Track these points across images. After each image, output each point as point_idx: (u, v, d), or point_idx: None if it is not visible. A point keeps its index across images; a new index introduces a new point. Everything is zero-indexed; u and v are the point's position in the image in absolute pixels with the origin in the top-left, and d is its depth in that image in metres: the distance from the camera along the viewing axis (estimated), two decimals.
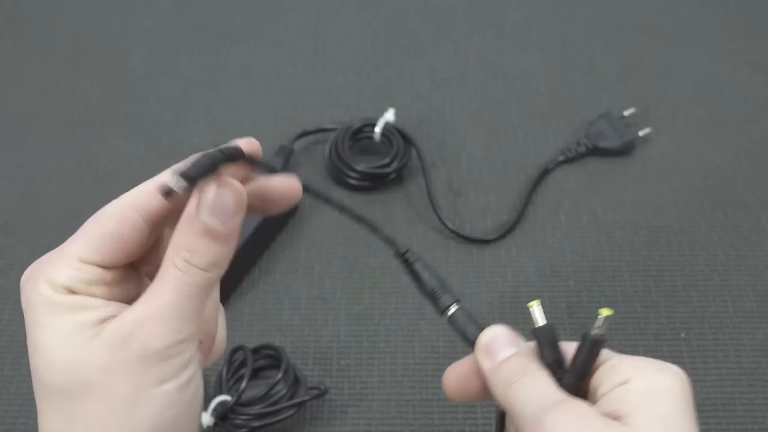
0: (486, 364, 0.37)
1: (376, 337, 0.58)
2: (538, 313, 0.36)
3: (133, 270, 0.37)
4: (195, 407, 0.35)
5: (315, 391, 0.54)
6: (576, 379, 0.35)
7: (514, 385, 0.35)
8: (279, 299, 0.60)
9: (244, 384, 0.52)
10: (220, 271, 0.34)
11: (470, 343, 0.37)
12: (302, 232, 0.64)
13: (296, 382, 0.54)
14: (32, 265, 0.36)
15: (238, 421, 0.52)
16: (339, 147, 0.66)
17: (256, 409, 0.52)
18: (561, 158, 0.68)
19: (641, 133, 0.69)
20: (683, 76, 0.75)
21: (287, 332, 0.58)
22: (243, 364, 0.54)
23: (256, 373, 0.55)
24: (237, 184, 0.34)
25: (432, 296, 0.39)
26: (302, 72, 0.77)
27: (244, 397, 0.52)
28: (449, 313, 0.38)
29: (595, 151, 0.69)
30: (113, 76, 0.77)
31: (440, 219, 0.64)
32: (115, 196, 0.70)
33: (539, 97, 0.74)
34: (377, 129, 0.67)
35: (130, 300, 0.35)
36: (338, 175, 0.67)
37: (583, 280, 0.61)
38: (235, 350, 0.55)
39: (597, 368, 0.35)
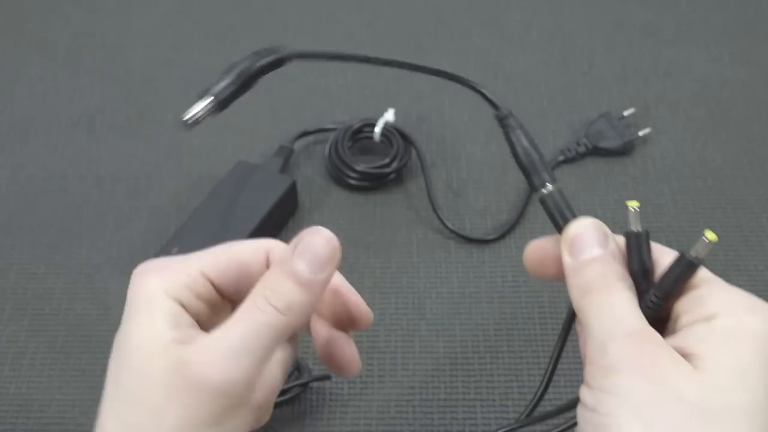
0: (568, 260, 0.34)
1: (376, 337, 0.58)
2: (633, 217, 0.33)
3: (231, 308, 0.37)
4: None
5: (318, 374, 0.54)
6: (660, 300, 0.32)
7: (590, 296, 0.33)
8: None
9: None
10: (297, 319, 0.33)
11: (558, 230, 0.35)
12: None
13: (299, 368, 0.54)
14: (152, 260, 0.36)
15: None
16: (339, 147, 0.66)
17: None
18: (561, 158, 0.68)
19: (641, 133, 0.69)
20: (683, 76, 0.75)
21: None
22: None
23: None
24: (333, 237, 0.35)
25: (527, 171, 0.36)
26: (302, 72, 0.77)
27: None
28: (543, 192, 0.35)
29: (595, 151, 0.69)
30: (113, 76, 0.77)
31: (440, 219, 0.64)
32: (115, 196, 0.70)
33: (539, 97, 0.74)
34: (377, 129, 0.67)
35: None
36: (338, 175, 0.67)
37: None
38: None
39: (687, 291, 0.33)
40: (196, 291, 0.35)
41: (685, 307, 0.32)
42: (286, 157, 0.67)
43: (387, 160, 0.66)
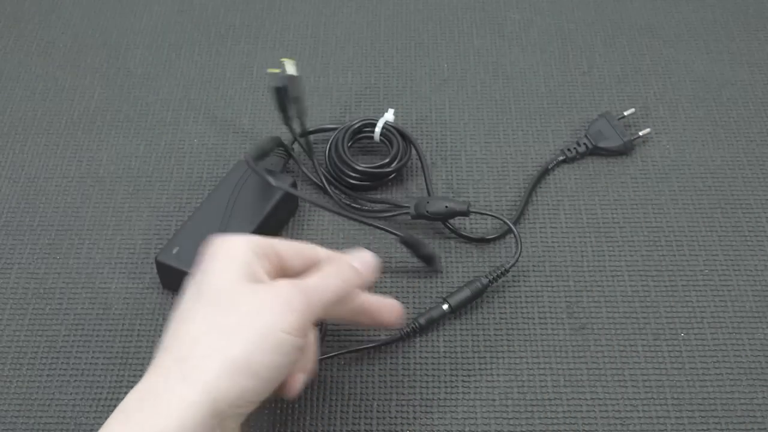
0: None
1: (377, 337, 0.58)
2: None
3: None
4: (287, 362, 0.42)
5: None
6: None
7: None
8: None
9: None
10: (354, 286, 0.47)
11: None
12: (302, 232, 0.64)
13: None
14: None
15: None
16: (339, 147, 0.67)
17: None
18: (561, 158, 0.68)
19: (641, 133, 0.69)
20: (683, 76, 0.76)
21: None
22: None
23: None
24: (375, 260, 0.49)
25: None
26: (302, 72, 0.77)
27: None
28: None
29: (595, 151, 0.69)
30: (113, 76, 0.77)
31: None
32: (115, 196, 0.70)
33: (539, 97, 0.74)
34: (377, 129, 0.67)
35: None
36: (338, 175, 0.67)
37: (583, 280, 0.61)
38: None
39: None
40: (266, 254, 0.43)
41: None
42: (287, 157, 0.67)
43: (387, 160, 0.66)
